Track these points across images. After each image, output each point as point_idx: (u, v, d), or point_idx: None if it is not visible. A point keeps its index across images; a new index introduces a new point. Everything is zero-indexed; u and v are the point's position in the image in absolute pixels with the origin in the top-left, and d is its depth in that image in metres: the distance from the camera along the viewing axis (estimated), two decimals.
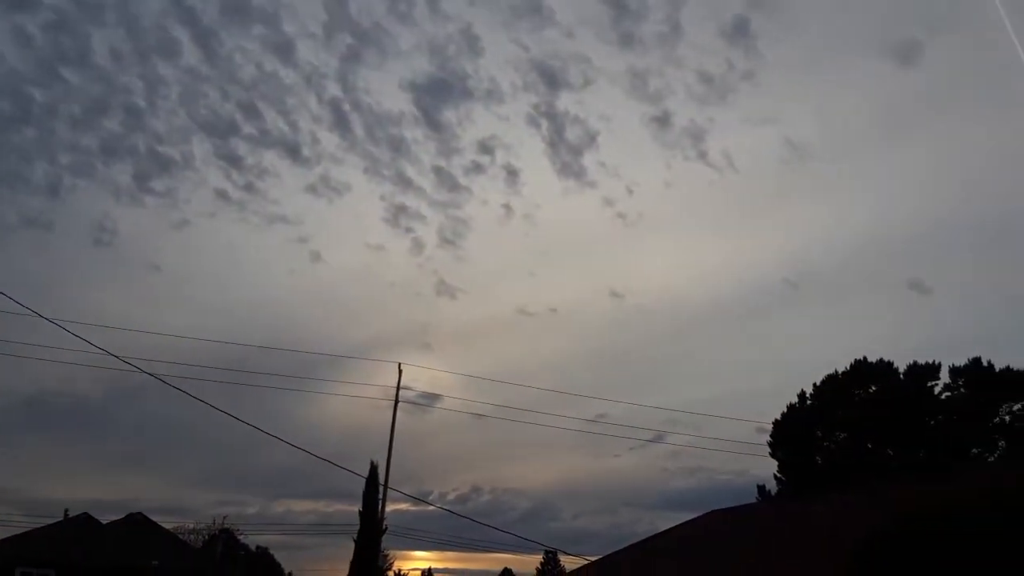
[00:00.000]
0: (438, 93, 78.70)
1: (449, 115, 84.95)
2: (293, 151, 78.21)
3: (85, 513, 38.88)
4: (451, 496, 73.94)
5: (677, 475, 77.19)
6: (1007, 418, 36.97)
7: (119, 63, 75.68)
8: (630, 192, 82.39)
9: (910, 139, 75.00)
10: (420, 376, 72.58)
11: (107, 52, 77.29)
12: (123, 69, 78.30)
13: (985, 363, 38.68)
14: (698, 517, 32.34)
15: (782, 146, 78.83)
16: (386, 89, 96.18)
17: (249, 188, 79.23)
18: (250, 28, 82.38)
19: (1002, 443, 36.55)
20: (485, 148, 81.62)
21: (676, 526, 32.04)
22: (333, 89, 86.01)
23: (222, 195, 78.94)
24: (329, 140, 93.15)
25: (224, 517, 55.93)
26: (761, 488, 43.23)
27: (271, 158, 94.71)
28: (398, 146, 78.65)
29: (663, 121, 78.94)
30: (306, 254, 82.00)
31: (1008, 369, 37.74)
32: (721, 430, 72.52)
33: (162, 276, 78.62)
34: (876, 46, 79.03)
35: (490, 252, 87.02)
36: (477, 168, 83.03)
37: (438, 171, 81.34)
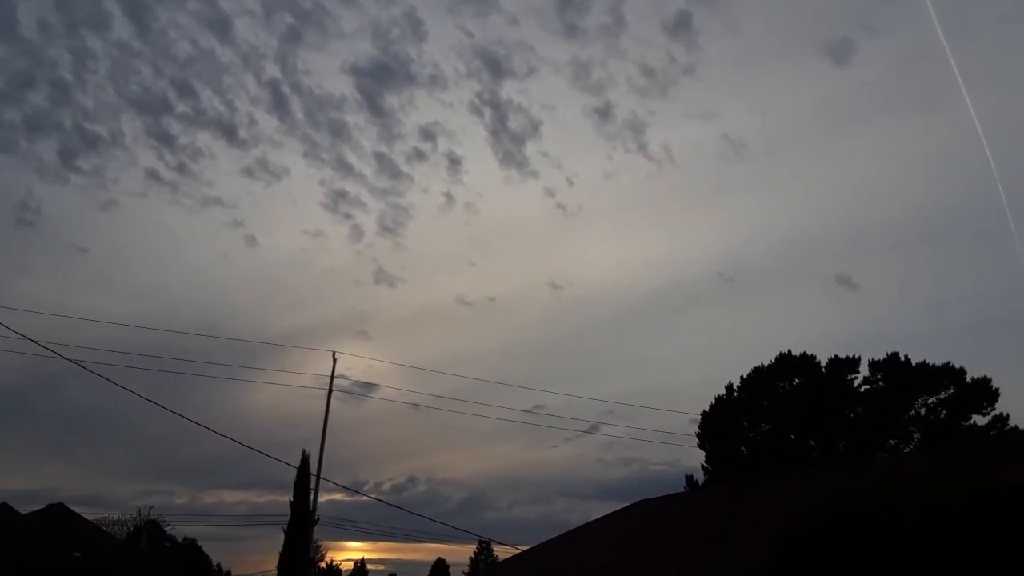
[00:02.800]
0: (380, 77, 78.13)
1: (391, 100, 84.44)
2: (229, 132, 76.64)
3: (3, 503, 37.47)
4: (386, 486, 73.66)
5: (612, 465, 78.51)
6: (922, 411, 38.62)
7: (46, 35, 72.77)
8: (571, 183, 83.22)
9: (844, 137, 77.72)
10: (356, 365, 72.18)
11: (34, 24, 74.34)
12: (50, 41, 75.31)
13: (903, 358, 40.30)
14: (628, 507, 32.87)
15: (720, 141, 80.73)
16: (327, 72, 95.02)
17: (182, 169, 77.47)
18: (185, 3, 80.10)
19: (917, 435, 38.16)
20: (427, 135, 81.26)
21: (606, 515, 32.54)
22: (272, 70, 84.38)
23: (153, 175, 76.91)
24: (267, 122, 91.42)
25: (150, 508, 54.58)
26: (689, 478, 44.24)
27: (206, 138, 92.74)
28: (339, 131, 77.78)
29: (605, 112, 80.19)
30: (241, 238, 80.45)
31: (924, 364, 39.39)
32: (655, 421, 74.06)
33: (89, 258, 76.13)
34: (812, 45, 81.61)
35: (430, 241, 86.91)
36: (419, 155, 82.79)
37: (379, 157, 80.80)
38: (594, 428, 49.46)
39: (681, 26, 75.39)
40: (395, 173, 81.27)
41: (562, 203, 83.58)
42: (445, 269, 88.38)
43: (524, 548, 33.20)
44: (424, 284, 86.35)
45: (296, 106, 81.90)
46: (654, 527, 27.17)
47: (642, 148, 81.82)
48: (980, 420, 37.41)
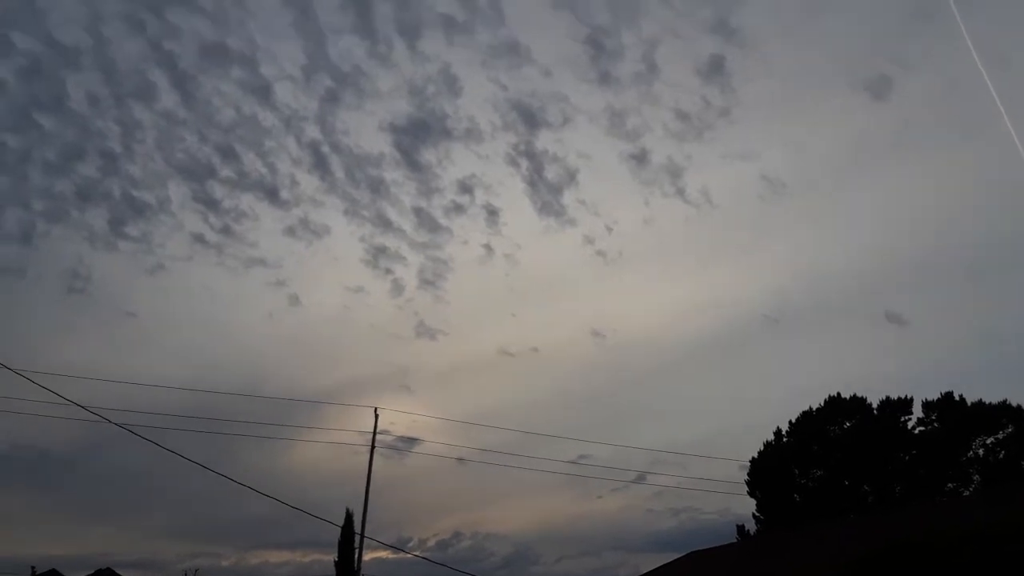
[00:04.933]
0: (417, 133, 79.32)
1: (428, 155, 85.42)
2: (271, 193, 78.12)
3: (52, 569, 37.94)
4: (431, 542, 72.69)
5: (662, 516, 76.39)
6: (980, 452, 37.34)
7: (95, 108, 75.58)
8: (609, 230, 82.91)
9: (885, 172, 76.70)
10: (399, 420, 71.95)
11: (83, 97, 77.16)
12: (99, 114, 78.08)
13: (957, 397, 39.15)
14: (678, 559, 32.28)
15: (759, 181, 80.00)
16: (365, 131, 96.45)
17: (226, 231, 78.71)
18: (228, 70, 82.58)
19: (976, 477, 36.84)
20: (465, 188, 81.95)
21: (658, 568, 31.93)
22: (312, 131, 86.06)
23: (199, 239, 78.29)
24: (308, 182, 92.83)
25: (195, 570, 54.75)
26: (740, 528, 43.08)
27: (249, 201, 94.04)
28: (377, 187, 78.93)
29: (641, 158, 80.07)
30: (284, 297, 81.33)
31: (980, 403, 38.21)
32: (705, 469, 72.49)
33: (137, 322, 77.65)
34: (847, 81, 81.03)
35: (471, 293, 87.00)
36: (457, 208, 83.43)
37: (418, 212, 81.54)
38: (641, 478, 48.56)
39: (714, 70, 75.68)
40: (434, 227, 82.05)
41: (601, 250, 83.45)
42: (486, 320, 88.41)
43: None
44: (465, 336, 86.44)
45: (336, 165, 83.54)
46: None
47: (680, 192, 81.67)
48: None
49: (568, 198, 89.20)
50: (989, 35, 71.94)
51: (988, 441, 37.30)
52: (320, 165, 78.75)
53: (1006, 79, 70.73)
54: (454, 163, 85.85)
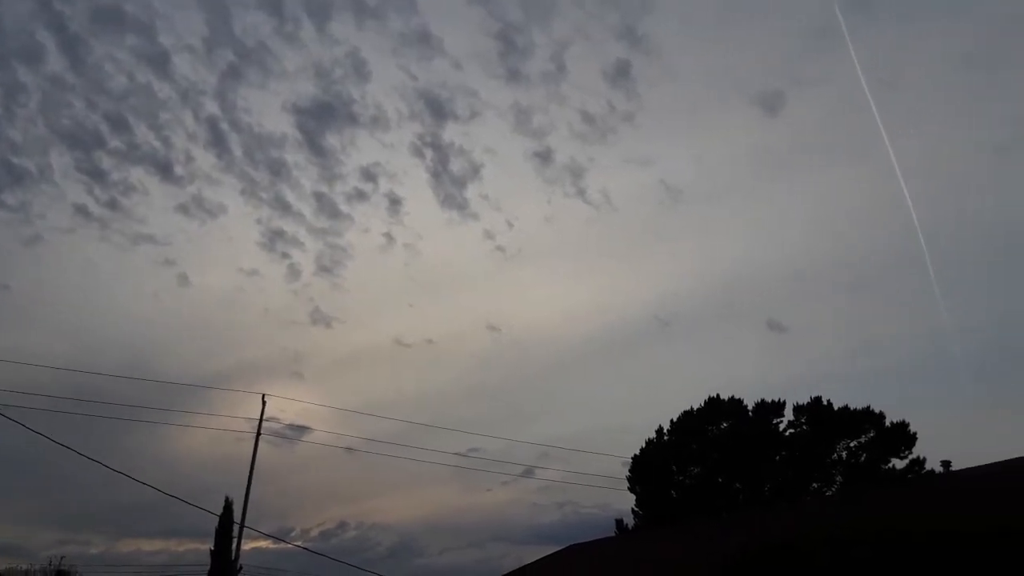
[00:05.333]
0: (322, 117, 77.63)
1: (332, 140, 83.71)
2: (164, 168, 74.84)
3: None
4: (315, 533, 71.54)
5: (546, 509, 77.69)
6: (843, 454, 39.68)
7: None
8: (510, 226, 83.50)
9: (775, 186, 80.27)
10: (289, 407, 70.41)
11: None
12: None
13: (825, 402, 41.41)
14: (558, 551, 32.89)
15: (657, 187, 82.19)
16: (267, 110, 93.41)
17: (112, 205, 74.99)
18: (123, 37, 78.45)
19: (839, 478, 39.14)
20: (368, 175, 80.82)
21: (537, 560, 32.49)
22: (211, 106, 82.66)
23: (82, 211, 74.21)
24: (204, 159, 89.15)
25: (61, 558, 52.09)
26: (619, 522, 44.37)
27: (139, 174, 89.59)
28: (278, 169, 76.83)
29: (545, 157, 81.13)
30: (173, 277, 78.00)
31: (845, 408, 40.54)
32: (590, 464, 74.08)
33: (10, 295, 73.02)
34: (745, 95, 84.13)
35: (369, 281, 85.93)
36: (359, 195, 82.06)
37: (319, 197, 79.83)
38: (529, 472, 49.26)
39: (621, 74, 77.36)
40: (334, 213, 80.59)
41: (502, 246, 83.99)
42: (383, 310, 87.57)
43: None
44: (361, 325, 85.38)
45: (235, 143, 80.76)
46: (583, 571, 27.21)
47: (581, 193, 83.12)
48: (898, 463, 38.63)
49: (471, 192, 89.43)
50: (878, 60, 76.33)
51: (851, 444, 39.67)
52: (218, 142, 76.02)
53: (891, 103, 75.17)
54: (358, 149, 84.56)
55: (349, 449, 40.66)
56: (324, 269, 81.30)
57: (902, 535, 13.52)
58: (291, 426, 40.48)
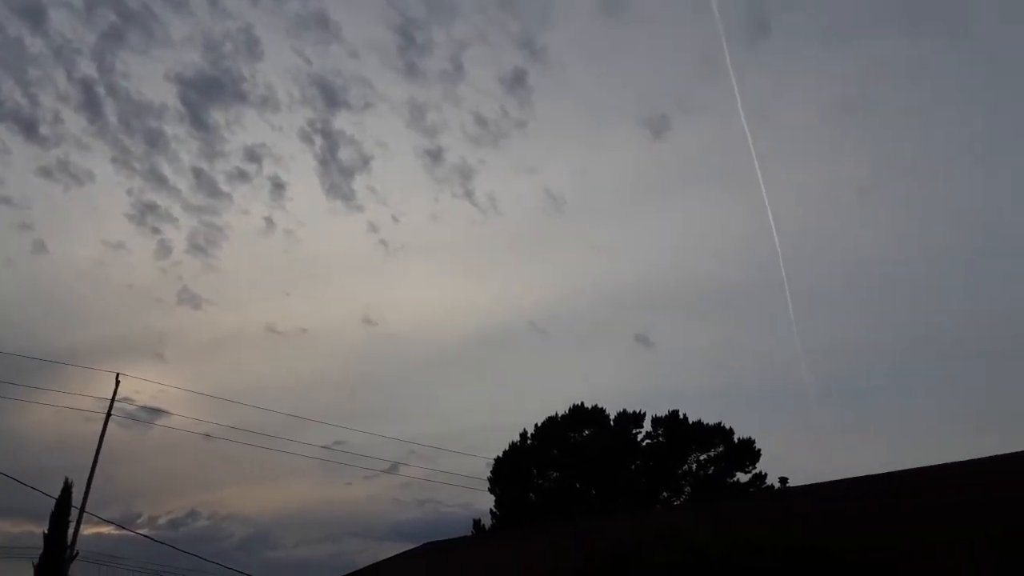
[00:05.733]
0: (208, 91, 74.62)
1: (217, 116, 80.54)
2: (29, 127, 70.01)
3: None
4: (163, 520, 68.55)
5: (407, 506, 77.52)
6: (693, 467, 41.72)
7: None
8: (396, 221, 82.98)
9: (653, 206, 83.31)
10: (145, 389, 67.39)
11: None
12: None
13: (682, 416, 43.41)
14: (414, 548, 32.99)
15: (543, 196, 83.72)
16: (149, 77, 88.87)
17: None
18: None
19: (687, 488, 41.12)
20: (253, 156, 78.34)
21: (391, 557, 32.48)
22: (86, 67, 78.02)
23: None
24: (74, 122, 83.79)
25: None
26: (476, 522, 44.91)
27: (0, 131, 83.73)
28: (155, 140, 73.30)
29: (436, 155, 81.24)
30: (29, 242, 72.99)
31: (699, 423, 42.65)
32: (455, 464, 74.54)
33: None
34: (634, 116, 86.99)
35: (244, 265, 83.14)
36: (241, 175, 79.33)
37: (198, 173, 76.63)
38: (393, 468, 49.02)
39: (517, 82, 78.47)
40: (213, 191, 77.61)
41: (385, 240, 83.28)
42: (257, 295, 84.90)
43: None
44: (233, 309, 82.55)
45: (110, 108, 76.41)
46: (436, 570, 27.44)
47: (469, 194, 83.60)
48: (743, 477, 41.00)
49: (359, 183, 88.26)
50: (758, 96, 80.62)
51: (701, 457, 41.76)
52: (91, 105, 71.88)
53: (767, 137, 79.53)
54: (244, 128, 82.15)
55: (207, 436, 39.40)
56: (197, 248, 78.14)
57: (740, 544, 14.50)
58: (147, 409, 38.84)
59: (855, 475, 21.89)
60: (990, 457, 16.40)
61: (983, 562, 14.21)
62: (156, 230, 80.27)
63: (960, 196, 72.93)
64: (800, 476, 41.20)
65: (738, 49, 77.92)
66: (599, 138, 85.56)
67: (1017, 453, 17.10)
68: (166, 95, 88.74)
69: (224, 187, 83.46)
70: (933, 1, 72.03)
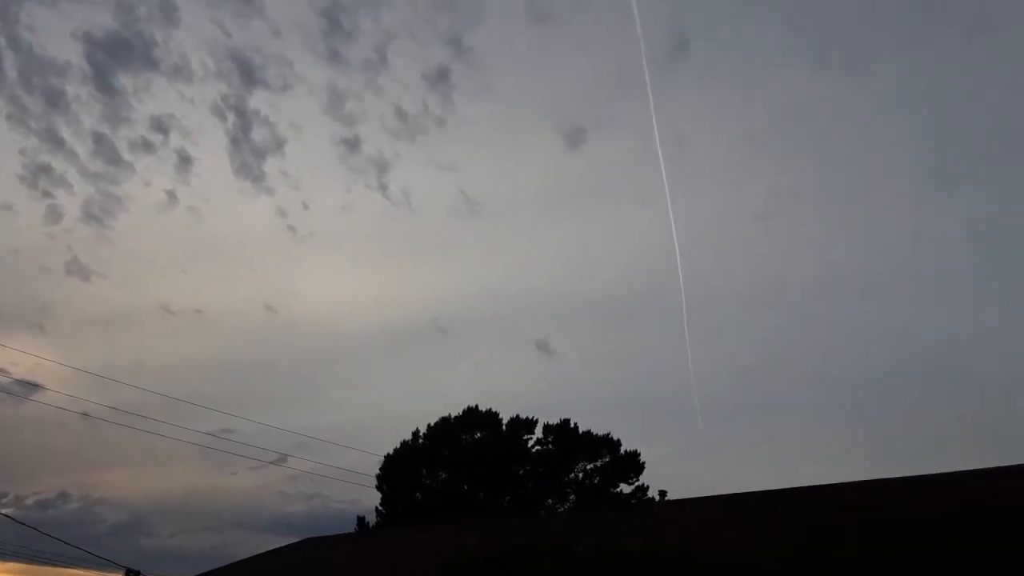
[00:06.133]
0: (117, 53, 71.10)
1: (125, 80, 76.79)
2: None
3: None
4: (30, 501, 65.01)
5: (294, 500, 75.70)
6: (580, 475, 42.52)
7: None
8: (306, 207, 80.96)
9: (564, 215, 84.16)
10: (20, 361, 63.71)
11: None
12: None
13: (572, 425, 44.14)
14: (294, 543, 32.49)
15: (457, 196, 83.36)
16: (54, 33, 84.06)
17: None
18: None
19: (572, 497, 41.86)
20: (160, 126, 74.92)
21: (271, 551, 31.90)
22: None
23: None
24: None
25: None
26: (361, 519, 44.52)
27: None
28: (56, 100, 69.27)
29: (352, 145, 79.72)
30: None
31: (588, 433, 43.47)
32: (347, 459, 73.34)
33: None
34: (552, 124, 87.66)
35: (141, 239, 79.43)
36: (146, 145, 75.77)
37: (99, 138, 72.83)
38: (282, 459, 47.91)
39: (440, 79, 77.97)
40: (114, 159, 73.91)
41: (293, 226, 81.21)
42: (153, 272, 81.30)
43: None
44: (125, 284, 78.94)
45: (8, 62, 72.06)
46: (315, 565, 27.11)
47: (383, 187, 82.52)
48: (626, 488, 42.02)
49: (271, 165, 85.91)
50: (673, 117, 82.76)
51: (588, 467, 42.59)
52: None
53: (678, 159, 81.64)
54: (153, 96, 78.42)
55: (85, 415, 37.64)
56: (91, 217, 74.43)
57: (617, 555, 14.94)
58: (22, 383, 36.76)
59: (731, 491, 22.88)
60: (864, 481, 17.42)
61: None
62: (48, 194, 76.09)
63: (851, 228, 76.80)
64: (681, 490, 42.54)
65: (657, 71, 79.66)
66: (516, 143, 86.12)
67: (883, 480, 18.25)
68: (71, 54, 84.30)
69: (126, 155, 80.00)
70: (841, 48, 75.59)
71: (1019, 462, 15.53)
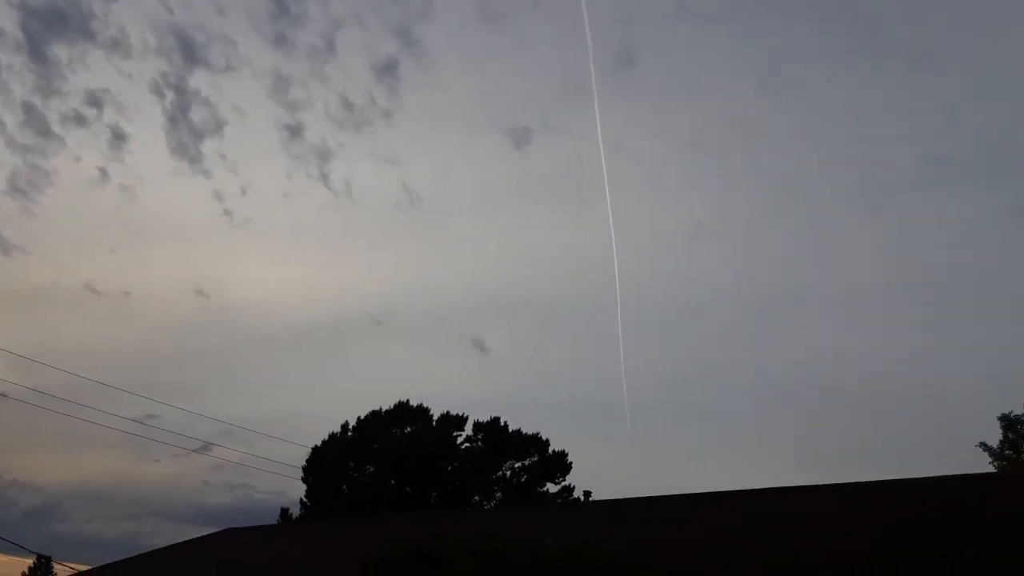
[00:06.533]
0: (53, 23, 68.57)
1: (60, 51, 74.34)
2: None
3: None
4: None
5: (217, 489, 74.26)
6: (507, 473, 42.72)
7: None
8: (244, 192, 79.45)
9: (506, 215, 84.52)
10: None
11: None
12: None
13: (502, 423, 44.30)
14: (214, 533, 31.92)
15: (399, 189, 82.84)
16: None
17: None
18: None
19: (499, 494, 42.03)
20: (94, 100, 72.75)
21: (188, 540, 31.26)
22: None
23: None
24: None
25: None
26: (284, 511, 43.93)
27: None
28: None
29: (296, 131, 78.44)
30: None
31: (518, 431, 43.70)
32: (274, 450, 72.19)
33: None
34: (497, 123, 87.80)
35: (69, 216, 76.89)
36: (78, 119, 73.27)
37: (29, 108, 70.12)
38: (206, 448, 46.85)
39: (388, 71, 77.24)
40: (44, 131, 71.26)
41: (230, 210, 79.51)
42: (79, 250, 78.63)
43: (89, 568, 30.47)
44: (49, 261, 76.27)
45: None
46: (233, 557, 26.66)
47: (324, 177, 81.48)
48: (552, 488, 42.37)
49: (209, 147, 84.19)
50: (617, 125, 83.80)
51: (516, 465, 42.81)
52: None
53: (620, 166, 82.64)
54: (88, 69, 75.89)
55: (2, 395, 36.22)
56: (17, 190, 71.68)
57: (538, 554, 15.08)
58: None
59: (654, 494, 23.29)
60: (784, 487, 17.91)
61: None
62: None
63: (783, 242, 78.92)
64: (608, 491, 43.09)
65: (604, 78, 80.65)
66: (462, 140, 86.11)
67: (796, 487, 18.81)
68: (6, 21, 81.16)
69: (57, 129, 77.49)
70: (782, 68, 77.50)
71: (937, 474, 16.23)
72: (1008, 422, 34.29)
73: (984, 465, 33.62)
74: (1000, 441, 34.43)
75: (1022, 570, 13.31)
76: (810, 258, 77.83)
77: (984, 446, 34.61)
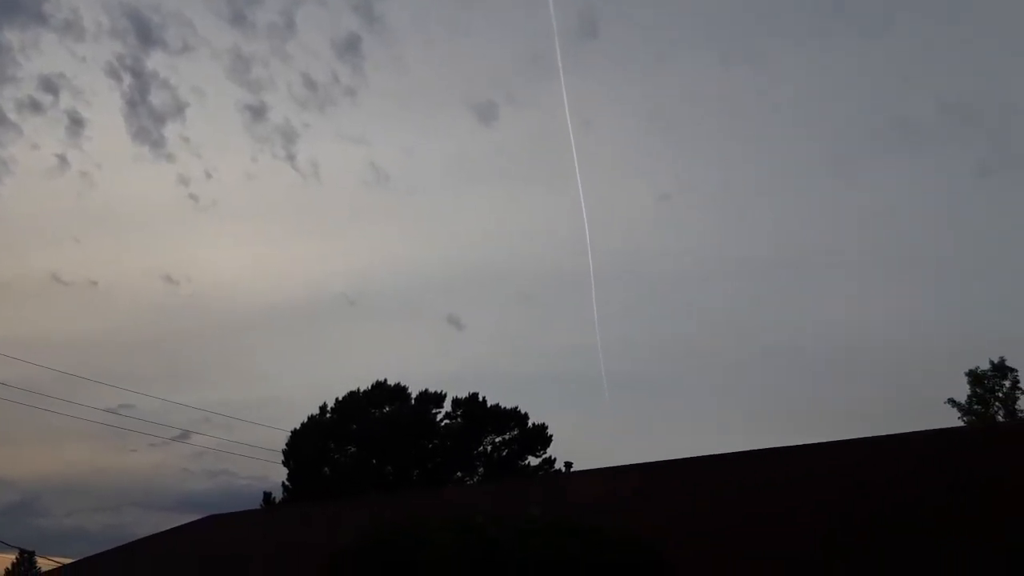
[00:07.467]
0: (3, 7, 67.25)
1: (12, 37, 73.03)
2: None
3: None
4: None
5: (197, 477, 74.26)
6: (488, 448, 42.99)
7: None
8: (208, 176, 78.60)
9: (474, 191, 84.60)
10: None
11: None
12: None
13: (481, 398, 44.51)
14: (196, 520, 31.85)
15: (367, 168, 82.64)
16: None
17: None
18: None
19: (481, 469, 42.32)
20: (49, 86, 71.63)
21: (172, 529, 31.21)
22: None
23: None
24: None
25: None
26: (267, 495, 43.92)
27: None
28: None
29: (259, 112, 77.72)
30: None
31: (497, 406, 43.94)
32: (253, 435, 72.09)
33: None
34: (463, 99, 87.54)
35: (30, 204, 75.88)
36: (34, 106, 72.32)
37: None
38: (184, 436, 46.69)
39: (350, 48, 76.63)
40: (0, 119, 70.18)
41: (195, 195, 79.06)
42: (42, 240, 77.70)
43: (73, 560, 30.40)
44: (11, 252, 75.26)
45: None
46: (219, 543, 26.69)
47: (290, 158, 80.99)
48: (534, 461, 42.74)
49: (170, 131, 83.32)
50: (583, 97, 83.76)
51: (496, 440, 43.09)
52: None
53: (587, 138, 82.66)
54: (42, 54, 74.87)
55: None
56: None
57: (518, 525, 15.24)
58: None
59: (634, 461, 23.57)
60: (758, 449, 18.19)
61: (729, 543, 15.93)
62: None
63: (751, 212, 79.63)
64: (586, 460, 43.59)
65: (569, 51, 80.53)
66: (427, 117, 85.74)
67: (773, 448, 19.10)
68: None
69: (12, 116, 76.33)
70: (744, 39, 77.92)
71: (908, 430, 16.57)
72: (975, 377, 35.05)
73: (953, 420, 34.40)
74: (968, 396, 35.21)
75: (991, 522, 13.72)
76: (779, 225, 78.71)
77: (953, 402, 35.38)
